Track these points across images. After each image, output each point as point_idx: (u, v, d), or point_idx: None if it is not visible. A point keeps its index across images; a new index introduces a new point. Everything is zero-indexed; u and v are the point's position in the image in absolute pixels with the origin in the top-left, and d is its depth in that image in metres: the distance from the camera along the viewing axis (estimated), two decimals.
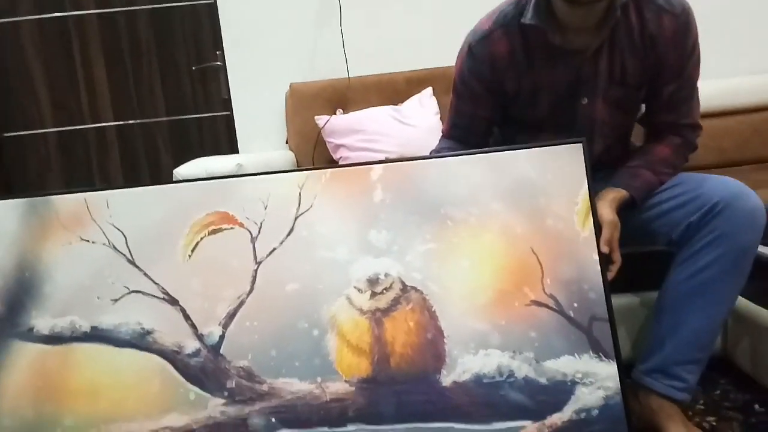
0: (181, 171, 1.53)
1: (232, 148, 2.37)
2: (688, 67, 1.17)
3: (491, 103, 1.26)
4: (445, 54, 1.94)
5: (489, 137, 1.36)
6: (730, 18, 2.12)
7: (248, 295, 1.02)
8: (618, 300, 1.28)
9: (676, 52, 1.14)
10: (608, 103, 1.20)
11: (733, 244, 1.05)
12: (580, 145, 1.08)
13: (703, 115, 1.82)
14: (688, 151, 1.23)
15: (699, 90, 1.23)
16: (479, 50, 1.21)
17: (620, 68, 1.17)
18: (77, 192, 1.07)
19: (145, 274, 1.04)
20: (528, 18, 1.14)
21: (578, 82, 1.18)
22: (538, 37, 1.16)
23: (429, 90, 2.11)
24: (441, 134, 1.41)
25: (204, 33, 2.37)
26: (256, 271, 1.03)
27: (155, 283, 1.04)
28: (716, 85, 1.99)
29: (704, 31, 2.06)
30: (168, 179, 2.25)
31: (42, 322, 1.03)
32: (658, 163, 1.18)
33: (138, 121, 2.43)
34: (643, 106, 1.27)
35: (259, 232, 1.05)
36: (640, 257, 1.24)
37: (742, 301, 1.30)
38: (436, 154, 1.34)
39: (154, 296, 1.04)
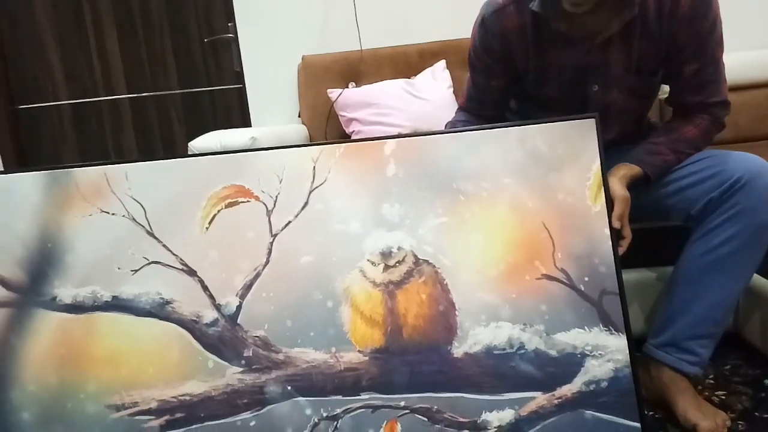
0: (197, 144, 1.54)
1: (244, 120, 2.37)
2: (709, 46, 1.14)
3: (503, 74, 1.26)
4: (459, 26, 1.94)
5: (504, 110, 1.37)
6: None
7: (264, 266, 1.04)
8: (631, 275, 1.30)
9: (694, 30, 1.11)
10: (623, 91, 1.20)
11: (753, 219, 1.05)
12: (593, 120, 1.07)
13: None
14: (715, 132, 1.21)
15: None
16: (491, 23, 1.21)
17: (636, 57, 1.15)
18: (97, 165, 1.09)
19: (164, 246, 1.06)
20: (535, 5, 1.14)
21: (586, 69, 1.18)
22: (547, 19, 1.15)
23: (442, 63, 2.10)
24: (458, 106, 1.41)
25: (216, 4, 2.36)
26: (271, 243, 1.05)
27: (174, 254, 1.06)
28: (732, 59, 1.92)
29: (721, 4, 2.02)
30: (182, 151, 2.27)
31: (64, 292, 1.05)
32: (682, 143, 1.17)
33: (151, 93, 2.44)
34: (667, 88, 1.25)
35: (274, 205, 1.07)
36: (654, 232, 1.25)
37: (754, 277, 1.30)
38: (449, 128, 1.35)
39: (173, 267, 1.06)
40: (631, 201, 1.09)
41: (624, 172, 1.13)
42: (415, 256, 1.05)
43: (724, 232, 1.06)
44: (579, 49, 1.16)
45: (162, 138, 2.48)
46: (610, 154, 1.10)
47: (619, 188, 1.09)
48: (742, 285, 1.10)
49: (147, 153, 2.47)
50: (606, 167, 1.07)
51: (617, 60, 1.16)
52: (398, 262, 1.05)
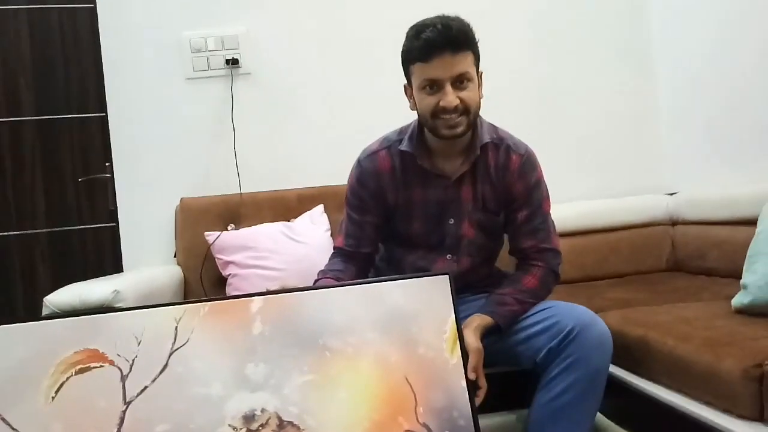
0: (53, 299, 1.45)
1: (116, 261, 2.29)
2: (534, 198, 1.36)
3: (376, 210, 1.40)
4: (336, 173, 2.06)
5: (377, 248, 1.46)
6: (590, 150, 2.42)
7: None
8: (493, 419, 1.35)
9: (522, 184, 1.35)
10: (473, 225, 1.37)
11: (587, 367, 1.16)
12: (447, 276, 1.17)
13: (567, 234, 2.04)
14: (552, 282, 1.37)
15: (554, 216, 1.40)
16: (366, 164, 1.40)
17: (480, 195, 1.36)
18: None
19: (2, 419, 0.97)
20: (403, 145, 1.35)
21: (445, 204, 1.36)
22: (413, 160, 1.35)
23: (320, 207, 2.19)
24: (333, 249, 1.48)
25: (94, 145, 2.34)
26: (124, 412, 1.00)
27: (13, 430, 0.97)
28: (579, 207, 2.23)
29: (567, 162, 2.36)
30: (44, 294, 2.12)
31: None
32: (525, 293, 1.30)
33: (15, 232, 2.31)
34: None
35: (130, 369, 1.03)
36: (511, 375, 1.32)
37: (599, 418, 1.40)
38: (320, 276, 1.40)
39: None
40: (485, 350, 1.17)
41: (477, 323, 1.22)
42: (279, 418, 1.04)
43: (564, 381, 1.16)
44: (438, 186, 1.36)
45: (23, 279, 2.32)
46: (463, 302, 1.19)
47: (473, 340, 1.16)
48: (586, 430, 1.18)
49: (3, 299, 2.28)
50: (460, 318, 1.14)
51: (467, 197, 1.36)
52: (261, 425, 1.03)
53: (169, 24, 2.26)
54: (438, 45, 1.20)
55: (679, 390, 1.23)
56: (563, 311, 1.22)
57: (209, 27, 2.28)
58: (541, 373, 1.21)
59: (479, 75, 1.29)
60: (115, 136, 2.26)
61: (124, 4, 2.25)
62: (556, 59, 2.42)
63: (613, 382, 1.32)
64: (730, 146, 2.10)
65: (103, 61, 2.25)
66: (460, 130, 1.26)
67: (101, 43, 2.24)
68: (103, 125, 2.29)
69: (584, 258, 2.12)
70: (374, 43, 2.28)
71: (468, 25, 1.25)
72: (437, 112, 1.25)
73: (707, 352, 1.16)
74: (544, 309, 1.26)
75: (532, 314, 1.26)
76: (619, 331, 1.35)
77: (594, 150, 2.43)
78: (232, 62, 2.26)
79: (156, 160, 2.26)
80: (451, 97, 1.22)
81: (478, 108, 1.29)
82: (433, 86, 1.24)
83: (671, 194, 2.28)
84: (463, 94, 1.24)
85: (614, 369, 1.37)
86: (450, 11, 1.27)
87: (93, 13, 2.26)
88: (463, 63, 1.22)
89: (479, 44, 1.28)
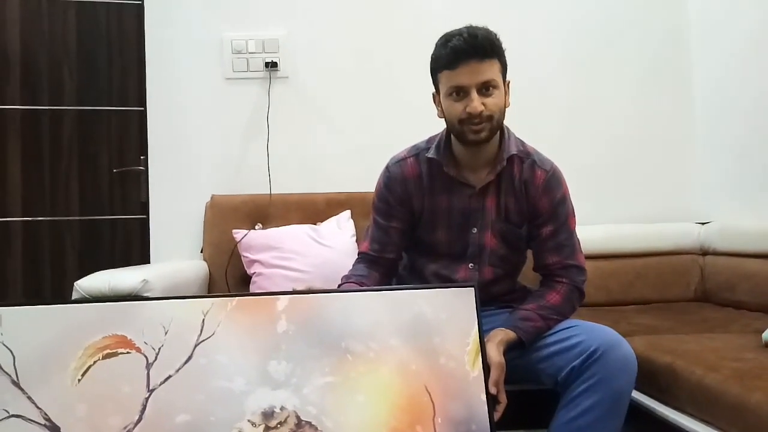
0: (84, 284, 1.48)
1: (143, 252, 2.33)
2: (560, 214, 1.37)
3: (402, 215, 1.42)
4: (364, 180, 2.06)
5: (401, 255, 1.47)
6: (620, 174, 2.39)
7: (135, 425, 0.99)
8: None
9: (547, 199, 1.36)
10: (495, 235, 1.38)
11: (610, 389, 1.14)
12: (472, 288, 1.16)
13: (593, 256, 2.01)
14: (577, 299, 1.36)
15: (581, 238, 1.40)
16: (394, 170, 1.43)
17: (504, 207, 1.37)
18: None
19: (29, 398, 1.00)
20: (431, 152, 1.38)
21: (469, 213, 1.38)
22: (439, 168, 1.38)
23: (347, 213, 2.20)
24: (357, 254, 1.49)
25: (131, 137, 2.40)
26: (147, 399, 1.01)
27: (38, 408, 0.99)
28: (606, 230, 2.20)
29: (597, 185, 2.33)
30: (70, 282, 2.16)
31: None
32: (549, 309, 1.29)
33: (48, 218, 2.37)
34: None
35: (156, 357, 1.04)
36: (530, 394, 1.31)
37: None
38: (344, 281, 1.41)
39: (35, 422, 0.98)
40: (507, 365, 1.16)
41: (500, 337, 1.21)
42: (298, 417, 1.04)
43: (586, 401, 1.15)
44: (463, 194, 1.37)
45: (52, 265, 2.37)
46: (486, 315, 1.19)
47: (495, 354, 1.15)
48: None
49: (33, 281, 2.34)
50: (483, 332, 1.14)
51: (491, 207, 1.38)
52: (280, 423, 1.03)
53: (212, 25, 2.31)
54: (464, 52, 1.25)
55: (706, 420, 1.20)
56: (588, 330, 1.21)
57: (251, 29, 2.32)
58: (562, 392, 1.19)
59: (506, 84, 1.32)
60: (153, 130, 2.30)
61: (170, 3, 2.31)
62: (588, 79, 2.40)
63: (638, 409, 1.30)
64: (765, 177, 2.06)
65: (146, 56, 2.30)
66: (483, 135, 1.29)
67: (145, 40, 2.30)
68: (141, 119, 2.34)
69: (609, 282, 2.09)
70: (407, 56, 2.28)
71: (494, 35, 1.29)
72: (464, 118, 1.28)
73: (736, 383, 1.13)
74: (568, 327, 1.25)
75: (556, 332, 1.25)
76: (646, 357, 1.33)
77: (625, 173, 2.39)
78: (271, 65, 2.29)
79: (190, 156, 2.30)
80: (476, 103, 1.26)
81: (502, 116, 1.33)
82: (460, 92, 1.28)
83: (703, 223, 2.24)
84: (488, 100, 1.27)
85: (638, 395, 1.35)
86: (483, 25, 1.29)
87: (140, 9, 2.32)
88: (489, 71, 1.26)
89: (508, 55, 1.31)
